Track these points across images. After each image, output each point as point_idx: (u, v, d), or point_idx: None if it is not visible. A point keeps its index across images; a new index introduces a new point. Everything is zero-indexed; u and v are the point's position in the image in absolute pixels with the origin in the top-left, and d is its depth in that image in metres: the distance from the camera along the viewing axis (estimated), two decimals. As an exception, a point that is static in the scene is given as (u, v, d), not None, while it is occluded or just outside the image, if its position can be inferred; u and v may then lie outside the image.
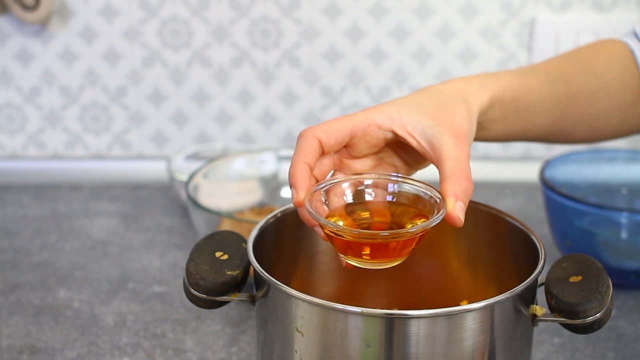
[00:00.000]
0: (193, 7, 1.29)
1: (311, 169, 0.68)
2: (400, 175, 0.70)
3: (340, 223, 0.68)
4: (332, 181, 0.69)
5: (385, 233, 0.66)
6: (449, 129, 0.69)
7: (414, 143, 0.70)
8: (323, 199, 0.68)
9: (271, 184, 1.20)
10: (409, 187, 0.69)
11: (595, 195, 1.12)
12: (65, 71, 1.32)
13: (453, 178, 0.66)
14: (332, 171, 0.72)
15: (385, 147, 0.73)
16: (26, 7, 1.25)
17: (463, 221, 0.65)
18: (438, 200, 0.66)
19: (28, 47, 1.31)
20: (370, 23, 1.30)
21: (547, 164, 1.07)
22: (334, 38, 1.31)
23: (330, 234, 0.66)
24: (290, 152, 1.18)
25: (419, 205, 0.68)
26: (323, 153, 0.69)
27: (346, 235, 0.65)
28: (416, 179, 0.70)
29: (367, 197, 0.70)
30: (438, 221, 0.64)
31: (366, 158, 0.72)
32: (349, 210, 0.69)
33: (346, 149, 0.71)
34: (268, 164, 1.21)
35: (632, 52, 0.88)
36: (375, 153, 0.73)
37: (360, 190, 0.70)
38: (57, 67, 1.32)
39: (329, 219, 0.68)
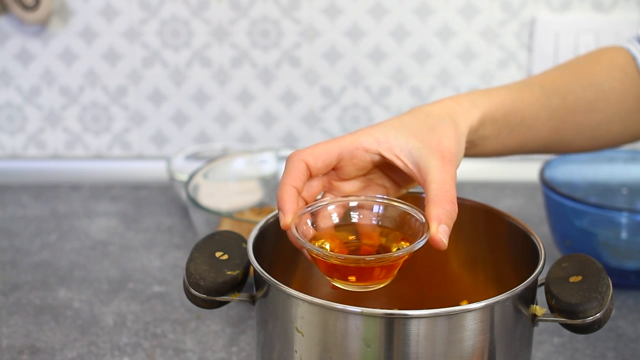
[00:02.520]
0: (193, 7, 1.29)
1: (299, 192, 0.69)
2: (386, 197, 0.71)
3: (327, 246, 0.69)
4: (319, 204, 0.70)
5: (370, 258, 0.66)
6: (435, 151, 0.69)
7: (401, 165, 0.70)
8: (310, 221, 0.69)
9: (271, 184, 1.20)
10: (394, 209, 0.70)
11: (595, 195, 1.12)
12: (65, 71, 1.32)
13: (437, 201, 0.66)
14: (322, 192, 0.73)
15: (374, 169, 0.73)
16: (26, 7, 1.25)
17: (447, 244, 0.66)
18: (423, 222, 0.67)
19: (28, 47, 1.31)
20: (370, 23, 1.30)
21: (547, 164, 1.07)
22: (334, 38, 1.31)
23: (317, 257, 0.66)
24: (290, 152, 1.18)
25: (405, 227, 0.69)
26: (311, 176, 0.70)
27: (331, 259, 0.66)
28: (402, 201, 0.70)
29: (354, 220, 0.71)
30: (421, 245, 0.65)
31: (355, 180, 0.73)
32: (336, 232, 0.70)
33: (335, 171, 0.72)
34: (268, 164, 1.21)
35: (634, 59, 0.88)
36: (364, 175, 0.73)
37: (346, 212, 0.71)
38: (57, 67, 1.32)
39: (316, 241, 0.68)
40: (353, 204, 0.71)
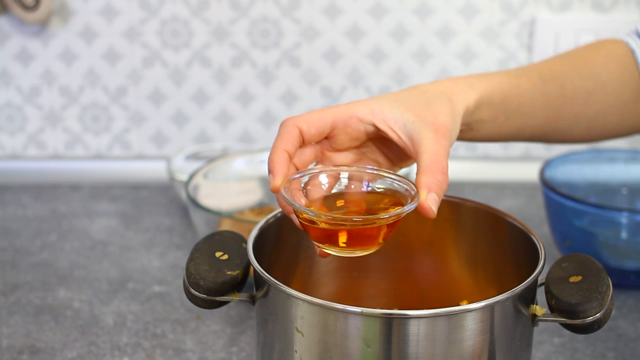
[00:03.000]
0: (193, 7, 1.29)
1: (290, 157, 0.68)
2: (377, 168, 0.71)
3: None
4: (311, 171, 0.70)
5: (358, 218, 0.66)
6: (430, 124, 0.69)
7: (394, 137, 0.70)
8: (301, 188, 0.69)
9: (271, 184, 1.20)
10: (385, 180, 0.70)
11: (595, 195, 1.12)
12: (65, 71, 1.32)
13: (428, 171, 0.66)
14: (314, 163, 0.72)
15: (368, 142, 0.73)
16: (26, 7, 1.25)
17: (435, 213, 0.65)
18: (413, 193, 0.67)
19: (28, 47, 1.31)
20: (370, 23, 1.30)
21: (547, 164, 1.07)
22: (334, 38, 1.31)
23: (305, 221, 0.66)
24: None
25: (395, 198, 0.69)
26: (304, 142, 0.70)
27: (319, 220, 0.65)
28: (393, 172, 0.70)
29: (344, 189, 0.71)
30: (410, 210, 0.65)
31: (348, 151, 0.73)
32: (326, 200, 0.70)
33: (328, 140, 0.72)
34: (268, 164, 1.21)
35: (632, 52, 0.88)
36: (358, 147, 0.73)
37: (337, 182, 0.71)
38: (57, 67, 1.32)
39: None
40: (344, 174, 0.71)
